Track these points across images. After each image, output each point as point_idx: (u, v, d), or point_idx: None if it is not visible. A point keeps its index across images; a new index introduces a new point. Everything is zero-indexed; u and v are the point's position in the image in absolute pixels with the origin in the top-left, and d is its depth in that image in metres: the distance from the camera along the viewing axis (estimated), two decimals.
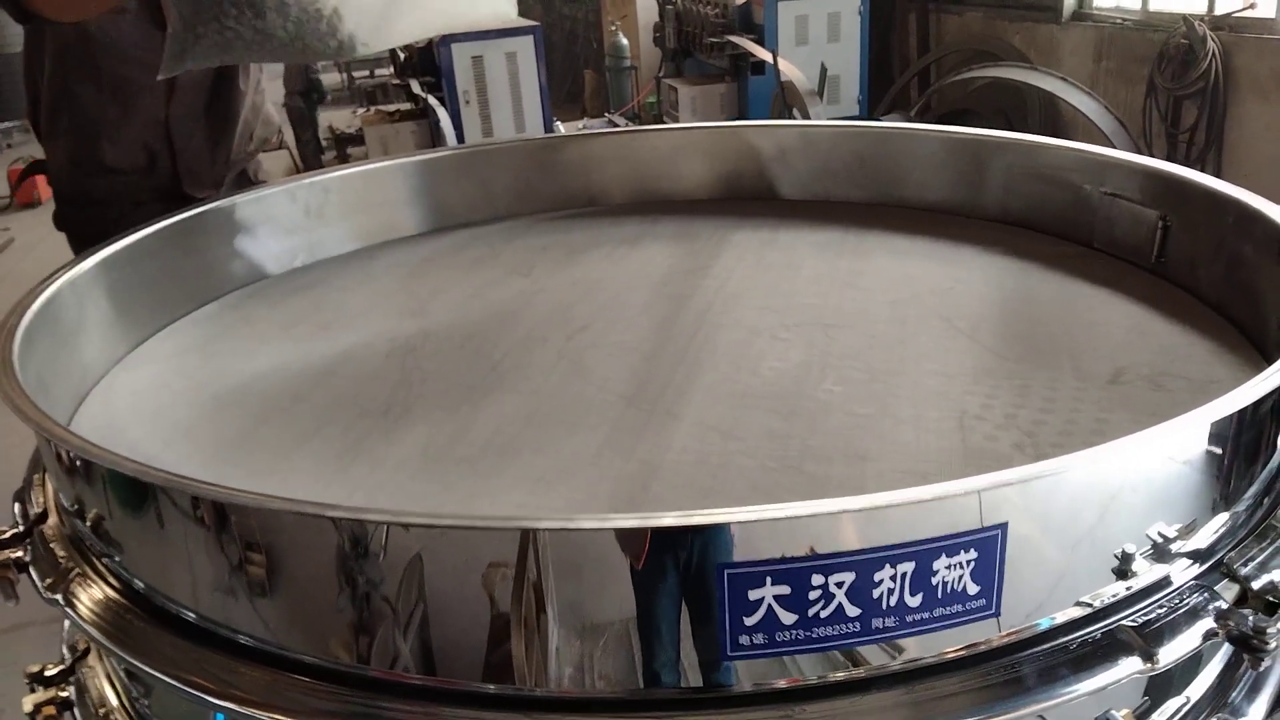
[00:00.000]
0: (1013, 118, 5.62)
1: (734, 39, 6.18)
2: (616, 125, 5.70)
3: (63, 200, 1.91)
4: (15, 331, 1.07)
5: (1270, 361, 0.84)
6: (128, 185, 1.84)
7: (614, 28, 7.82)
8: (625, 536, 0.65)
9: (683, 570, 0.65)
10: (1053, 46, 5.74)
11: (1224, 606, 0.73)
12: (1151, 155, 4.53)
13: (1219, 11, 4.71)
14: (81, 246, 1.84)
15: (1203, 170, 4.33)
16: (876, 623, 0.65)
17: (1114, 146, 4.45)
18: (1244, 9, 4.60)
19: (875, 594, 0.64)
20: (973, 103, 5.95)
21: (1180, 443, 0.76)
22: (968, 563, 0.65)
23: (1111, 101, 5.04)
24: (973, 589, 0.66)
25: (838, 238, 1.54)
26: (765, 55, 5.75)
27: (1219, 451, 0.78)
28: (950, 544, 0.64)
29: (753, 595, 0.63)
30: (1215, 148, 4.70)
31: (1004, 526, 0.65)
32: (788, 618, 0.64)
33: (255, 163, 2.08)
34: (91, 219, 1.84)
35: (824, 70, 5.86)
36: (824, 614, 0.64)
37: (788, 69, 5.48)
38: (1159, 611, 0.73)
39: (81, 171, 1.84)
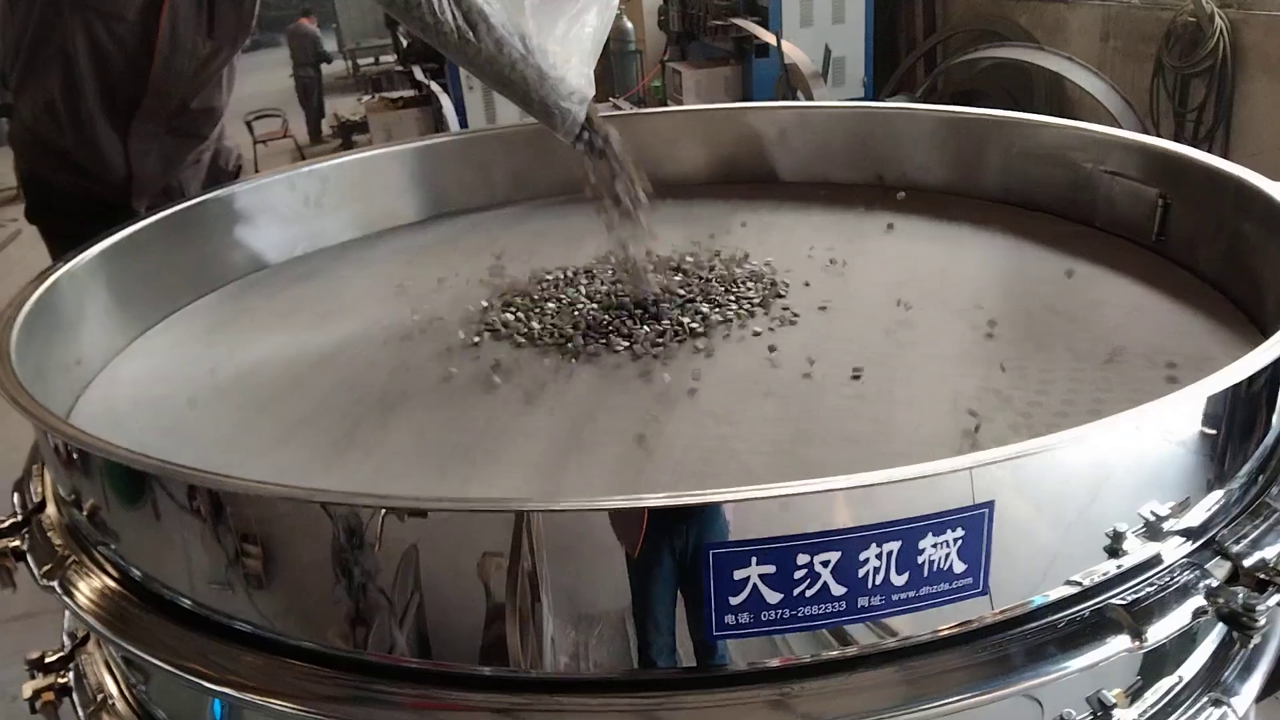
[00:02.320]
0: (1019, 98, 5.58)
1: (738, 21, 6.15)
2: (621, 109, 5.68)
3: (23, 177, 1.87)
4: (14, 323, 1.07)
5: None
6: (78, 179, 1.80)
7: (619, 11, 7.79)
8: (612, 518, 0.66)
9: (669, 551, 0.65)
10: (1059, 26, 5.69)
11: (1214, 584, 0.73)
12: (1159, 135, 4.51)
13: None
14: (54, 242, 1.81)
15: (1210, 149, 4.29)
16: (862, 601, 0.65)
17: (1121, 126, 4.43)
18: None
19: (860, 573, 0.64)
20: (979, 83, 5.91)
21: (1173, 420, 0.76)
22: (954, 541, 0.65)
23: (1119, 81, 5.00)
24: (959, 567, 0.66)
25: (837, 219, 1.53)
26: (769, 38, 5.71)
27: (1213, 429, 0.78)
28: (936, 522, 0.64)
29: (738, 575, 0.64)
30: (1223, 126, 4.66)
31: (990, 505, 0.65)
32: (773, 597, 0.64)
33: (228, 153, 2.06)
34: (58, 210, 1.80)
35: (828, 52, 5.82)
36: (809, 593, 0.64)
37: (792, 51, 5.45)
38: (1149, 589, 0.73)
39: (40, 146, 1.79)
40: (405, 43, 6.26)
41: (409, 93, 6.51)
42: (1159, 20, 4.91)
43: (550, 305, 1.26)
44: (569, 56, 1.14)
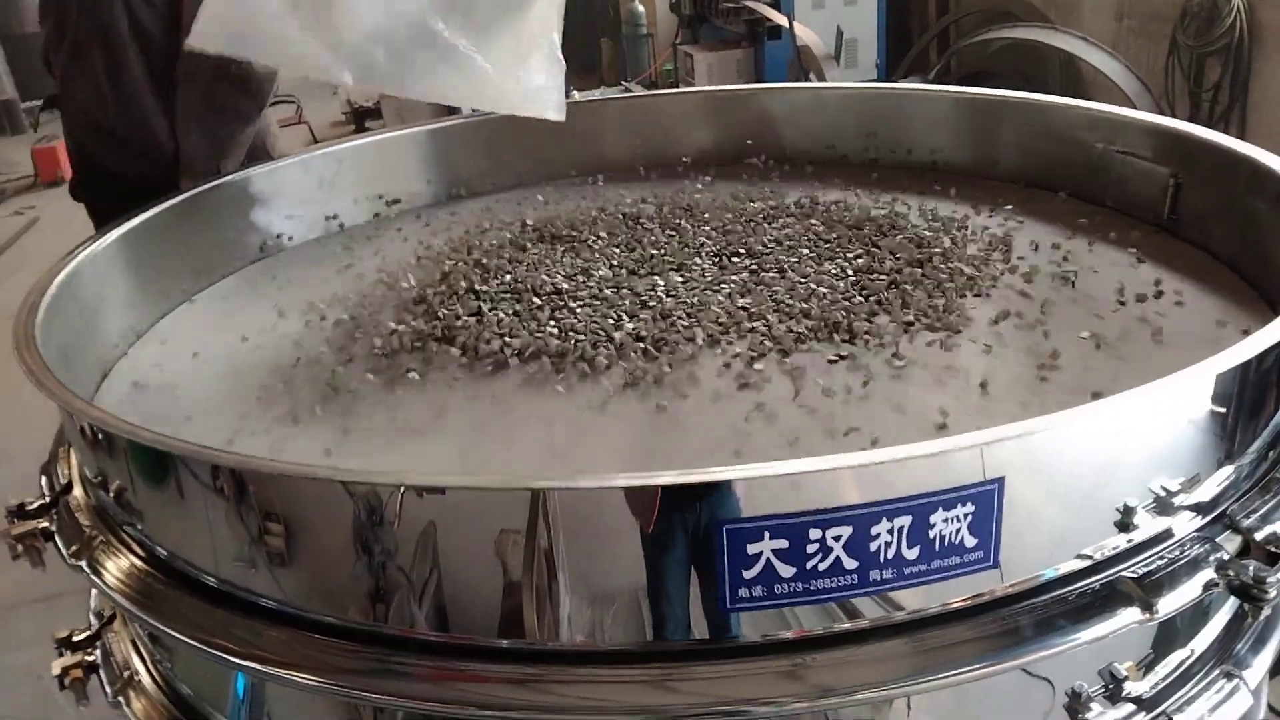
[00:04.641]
0: (1033, 79, 5.54)
1: (750, 4, 6.12)
2: (633, 92, 5.67)
3: (75, 157, 1.89)
4: (39, 308, 1.09)
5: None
6: (128, 159, 1.80)
7: None
8: (627, 495, 0.67)
9: (683, 527, 0.66)
10: (1073, 5, 5.63)
11: (1225, 557, 0.74)
12: (1174, 115, 4.46)
13: None
14: (99, 218, 1.84)
15: (1226, 128, 4.25)
16: (874, 575, 0.66)
17: (1135, 106, 4.40)
18: None
19: (873, 547, 0.65)
20: (992, 64, 5.87)
21: (1184, 396, 0.77)
22: (965, 516, 0.66)
23: (1133, 61, 4.95)
24: (970, 542, 0.67)
25: (850, 199, 1.54)
26: (781, 19, 5.69)
27: (1223, 405, 0.78)
28: (948, 498, 0.65)
29: (751, 549, 0.65)
30: (1239, 106, 4.61)
31: (1001, 480, 0.66)
32: (786, 570, 0.66)
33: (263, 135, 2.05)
34: (104, 187, 1.81)
35: (840, 34, 5.80)
36: (822, 567, 0.65)
37: (804, 33, 5.43)
38: (1159, 563, 0.74)
39: (92, 129, 1.81)
40: None
41: None
42: None
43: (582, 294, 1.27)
44: None
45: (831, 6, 6.17)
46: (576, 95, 1.63)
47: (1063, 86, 5.50)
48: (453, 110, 1.81)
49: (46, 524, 0.98)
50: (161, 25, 1.70)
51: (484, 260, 1.37)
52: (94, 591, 1.11)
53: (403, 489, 0.72)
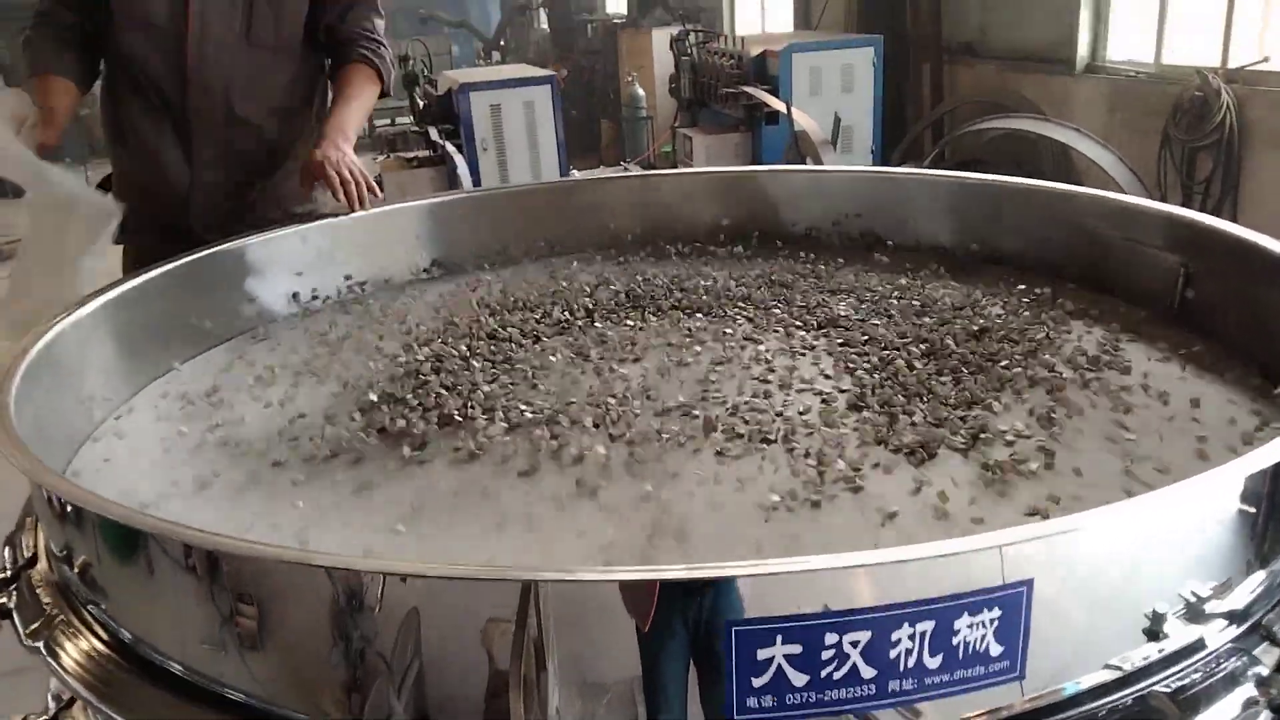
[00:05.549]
0: (1027, 170, 5.60)
1: (749, 90, 6.21)
2: (630, 172, 5.71)
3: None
4: (15, 374, 1.05)
5: None
6: (137, 198, 1.76)
7: (631, 78, 7.90)
8: (628, 590, 0.62)
9: (688, 626, 0.61)
10: (1066, 99, 5.73)
11: (1264, 672, 0.69)
12: None
13: (1233, 65, 4.70)
14: (136, 264, 1.80)
15: None
16: (893, 685, 0.61)
17: None
18: (1258, 62, 4.59)
19: (892, 654, 0.61)
20: (986, 154, 5.95)
21: (1212, 498, 0.73)
22: (991, 621, 0.61)
23: (1125, 153, 5.02)
24: (996, 650, 0.62)
25: (849, 281, 1.51)
26: (779, 105, 5.77)
27: (1253, 507, 0.74)
28: (972, 602, 0.61)
29: (762, 655, 0.60)
30: (1230, 200, 4.67)
31: (1029, 583, 0.62)
32: (799, 679, 0.61)
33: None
34: (141, 231, 1.77)
35: (838, 120, 5.87)
36: (837, 675, 0.60)
37: (801, 119, 5.49)
38: (1194, 676, 0.69)
39: (129, 184, 1.79)
40: (421, 104, 6.32)
41: (424, 153, 6.56)
42: (1166, 94, 4.95)
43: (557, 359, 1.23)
44: None
45: (828, 94, 6.28)
46: (576, 174, 1.62)
47: (1055, 177, 5.56)
48: (455, 187, 1.81)
49: (4, 600, 0.92)
50: (163, 54, 1.67)
51: (476, 338, 1.34)
52: None
53: (384, 578, 0.67)
